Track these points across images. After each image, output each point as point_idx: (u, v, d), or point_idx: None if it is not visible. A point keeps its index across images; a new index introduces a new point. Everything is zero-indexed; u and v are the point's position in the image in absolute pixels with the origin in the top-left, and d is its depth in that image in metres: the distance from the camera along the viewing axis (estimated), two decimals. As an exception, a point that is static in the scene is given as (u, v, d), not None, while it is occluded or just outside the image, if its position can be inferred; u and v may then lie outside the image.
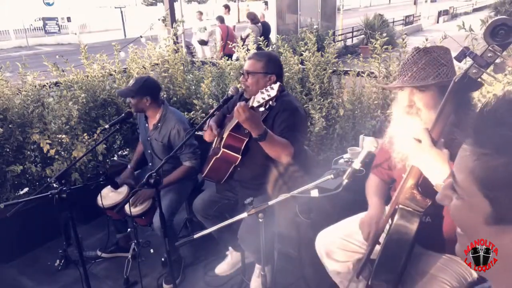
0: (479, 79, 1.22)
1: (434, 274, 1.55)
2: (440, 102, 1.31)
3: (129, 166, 2.89)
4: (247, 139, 2.12)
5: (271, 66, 2.16)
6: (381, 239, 1.55)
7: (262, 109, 1.74)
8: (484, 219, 0.57)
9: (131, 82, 2.59)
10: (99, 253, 2.88)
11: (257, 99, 1.73)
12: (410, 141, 1.31)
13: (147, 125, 2.74)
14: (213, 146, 2.38)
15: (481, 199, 0.57)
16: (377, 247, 1.57)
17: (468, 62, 1.26)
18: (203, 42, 8.86)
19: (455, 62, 1.40)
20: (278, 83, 1.70)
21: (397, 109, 1.56)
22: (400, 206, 1.39)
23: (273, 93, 1.68)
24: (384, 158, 1.76)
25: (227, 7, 9.50)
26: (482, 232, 0.59)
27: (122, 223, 2.86)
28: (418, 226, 1.38)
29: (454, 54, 1.31)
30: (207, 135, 2.32)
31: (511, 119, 0.55)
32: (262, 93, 1.72)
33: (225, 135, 2.16)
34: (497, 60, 1.18)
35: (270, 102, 1.71)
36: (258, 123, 1.82)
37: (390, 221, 1.47)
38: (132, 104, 2.61)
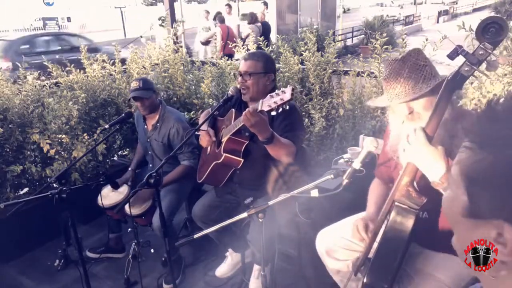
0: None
1: (430, 273, 1.55)
2: (435, 99, 1.33)
3: (129, 169, 2.87)
4: (247, 142, 2.11)
5: (269, 64, 2.18)
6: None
7: (274, 113, 1.67)
8: (462, 211, 0.59)
9: (138, 84, 2.52)
10: (88, 253, 2.85)
11: (268, 103, 1.66)
12: (405, 138, 1.33)
13: (145, 126, 2.73)
14: (208, 150, 2.35)
15: (463, 191, 0.58)
16: (375, 245, 1.57)
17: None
18: (205, 42, 8.86)
19: (452, 62, 1.40)
20: (290, 86, 1.64)
21: (395, 119, 1.57)
22: (396, 203, 1.39)
23: (286, 97, 1.61)
24: (388, 165, 1.76)
25: (229, 6, 9.46)
26: (460, 224, 0.61)
27: (117, 223, 2.84)
28: (414, 223, 1.37)
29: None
30: (204, 141, 2.26)
31: (505, 118, 0.56)
32: (272, 97, 1.65)
33: (224, 139, 2.12)
34: (492, 58, 1.19)
35: (283, 106, 1.64)
36: (266, 127, 1.80)
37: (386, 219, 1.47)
38: (146, 105, 2.56)
